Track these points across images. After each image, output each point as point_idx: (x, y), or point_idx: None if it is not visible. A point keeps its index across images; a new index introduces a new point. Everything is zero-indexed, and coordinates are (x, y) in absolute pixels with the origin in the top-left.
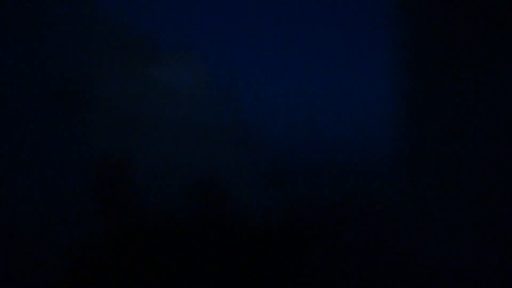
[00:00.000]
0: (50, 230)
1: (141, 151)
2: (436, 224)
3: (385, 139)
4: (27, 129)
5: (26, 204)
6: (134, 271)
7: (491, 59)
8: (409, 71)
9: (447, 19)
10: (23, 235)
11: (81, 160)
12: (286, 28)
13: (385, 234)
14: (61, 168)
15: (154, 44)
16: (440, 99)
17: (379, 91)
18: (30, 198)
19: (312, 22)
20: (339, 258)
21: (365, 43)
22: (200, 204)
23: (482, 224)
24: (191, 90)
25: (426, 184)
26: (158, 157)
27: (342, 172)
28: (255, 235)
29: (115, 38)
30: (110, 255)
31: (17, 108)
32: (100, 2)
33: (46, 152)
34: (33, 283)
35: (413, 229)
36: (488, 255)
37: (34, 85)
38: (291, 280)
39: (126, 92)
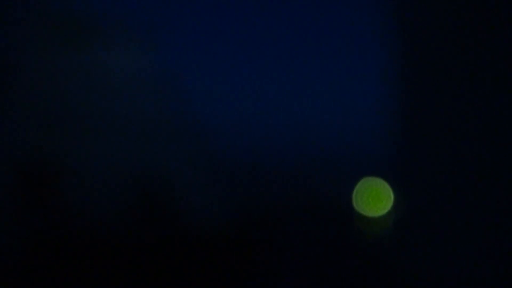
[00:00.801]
0: None
1: (72, 147)
2: (431, 233)
3: (358, 136)
4: None
5: None
6: (62, 284)
7: (491, 61)
8: (404, 72)
9: (445, 20)
10: None
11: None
12: (251, 17)
13: (368, 243)
14: None
15: (93, 26)
16: (437, 102)
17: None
18: None
19: (283, 16)
20: (304, 271)
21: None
22: (140, 207)
23: (483, 232)
24: (134, 79)
25: (417, 190)
26: (92, 153)
27: (308, 173)
28: (202, 242)
29: (46, 16)
30: (33, 266)
31: None
32: None
33: None
34: None
35: (405, 238)
36: (490, 262)
37: None
38: None
39: (56, 79)
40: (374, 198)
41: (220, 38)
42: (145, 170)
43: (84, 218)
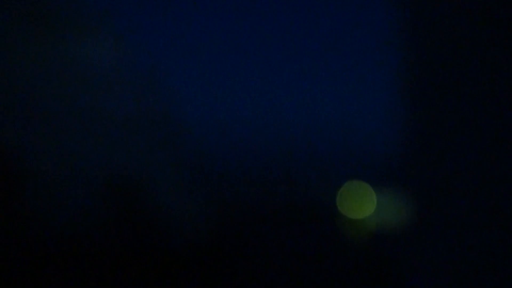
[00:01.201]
0: None
1: (40, 145)
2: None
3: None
4: None
5: None
6: None
7: (497, 61)
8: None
9: (452, 20)
10: None
11: None
12: (242, 11)
13: (354, 245)
14: None
15: (68, 16)
16: (444, 103)
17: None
18: None
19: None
20: (290, 274)
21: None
22: (116, 212)
23: (492, 240)
24: (110, 74)
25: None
26: (64, 153)
27: (295, 176)
28: (180, 250)
29: (17, 6)
30: None
31: None
32: None
33: None
34: None
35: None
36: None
37: None
38: None
39: (26, 70)
40: (358, 201)
41: (207, 33)
42: (123, 172)
43: (55, 224)
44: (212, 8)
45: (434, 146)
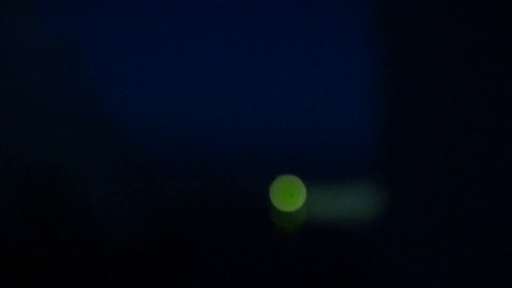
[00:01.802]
0: None
1: None
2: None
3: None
4: None
5: None
6: None
7: (479, 64)
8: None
9: (432, 23)
10: None
11: None
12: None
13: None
14: None
15: None
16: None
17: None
18: None
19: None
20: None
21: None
22: (35, 209)
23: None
24: (30, 53)
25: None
26: None
27: (229, 170)
28: (111, 250)
29: None
30: None
31: None
32: None
33: None
34: None
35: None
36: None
37: None
38: None
39: None
40: (287, 194)
41: (145, 22)
42: (44, 164)
43: None
44: None
45: (390, 142)
